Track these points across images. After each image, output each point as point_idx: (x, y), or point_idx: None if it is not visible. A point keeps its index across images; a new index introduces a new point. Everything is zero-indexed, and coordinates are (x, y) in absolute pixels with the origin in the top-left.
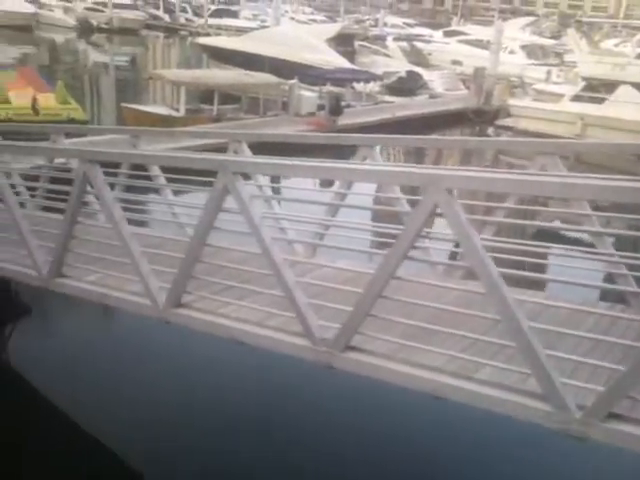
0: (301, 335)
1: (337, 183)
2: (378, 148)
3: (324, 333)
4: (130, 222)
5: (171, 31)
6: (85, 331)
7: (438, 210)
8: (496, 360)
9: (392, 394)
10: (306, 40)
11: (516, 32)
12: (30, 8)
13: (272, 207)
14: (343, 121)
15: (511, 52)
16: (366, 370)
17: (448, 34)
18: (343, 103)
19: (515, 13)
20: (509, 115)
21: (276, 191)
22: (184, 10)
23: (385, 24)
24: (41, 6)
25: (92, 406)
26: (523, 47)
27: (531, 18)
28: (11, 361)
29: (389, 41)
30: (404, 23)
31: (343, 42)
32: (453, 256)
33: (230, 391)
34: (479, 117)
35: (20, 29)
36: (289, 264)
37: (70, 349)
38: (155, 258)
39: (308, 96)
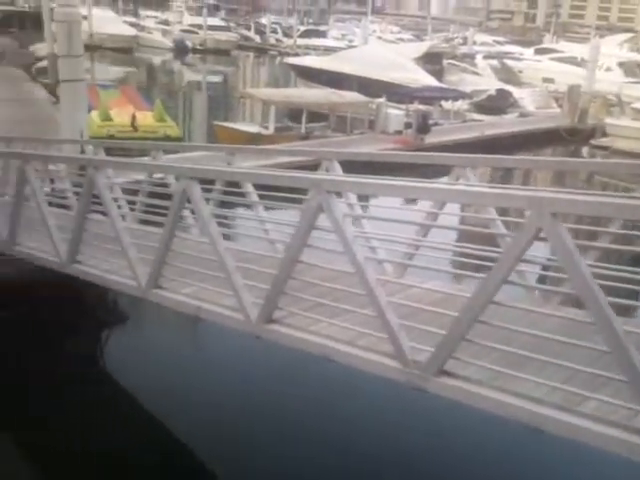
0: (392, 356)
1: (425, 202)
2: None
3: (416, 355)
4: (223, 237)
5: (261, 51)
6: (178, 341)
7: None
8: (601, 393)
9: (484, 421)
10: (394, 59)
11: (613, 49)
12: (131, 31)
13: (362, 225)
14: (430, 139)
15: (607, 69)
16: (461, 396)
17: (540, 51)
18: (430, 121)
19: (612, 29)
20: (605, 134)
21: (363, 209)
22: (274, 31)
23: (474, 42)
24: (141, 29)
25: (180, 411)
26: (620, 64)
27: (629, 34)
28: (106, 366)
29: (478, 59)
30: (494, 41)
31: (431, 60)
32: (542, 279)
33: (316, 407)
34: (573, 136)
35: (121, 51)
36: (380, 284)
37: (163, 357)
38: (247, 273)
39: (395, 114)
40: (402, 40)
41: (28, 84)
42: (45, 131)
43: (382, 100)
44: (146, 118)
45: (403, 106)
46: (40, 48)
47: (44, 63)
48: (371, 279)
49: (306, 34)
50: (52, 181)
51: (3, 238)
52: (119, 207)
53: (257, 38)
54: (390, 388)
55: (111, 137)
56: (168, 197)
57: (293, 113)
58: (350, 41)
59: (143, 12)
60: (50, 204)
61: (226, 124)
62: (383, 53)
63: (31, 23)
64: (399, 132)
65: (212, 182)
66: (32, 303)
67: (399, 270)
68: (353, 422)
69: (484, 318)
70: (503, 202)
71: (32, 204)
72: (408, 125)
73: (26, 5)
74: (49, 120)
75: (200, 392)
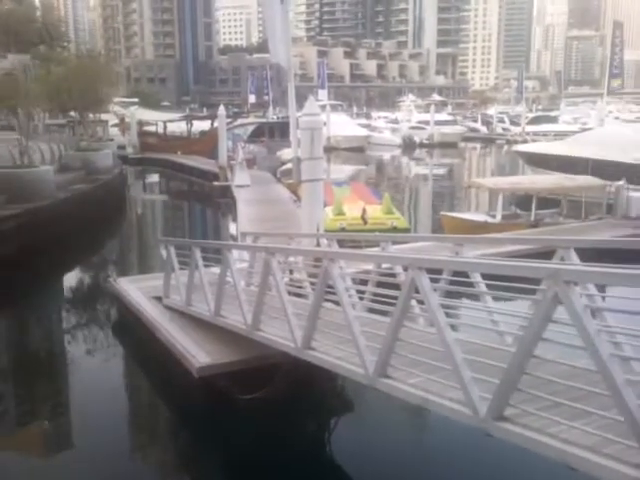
0: None
1: None
2: None
3: None
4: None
5: (487, 141)
6: (402, 431)
7: None
8: None
9: None
10: (636, 139)
11: None
12: (363, 132)
13: (603, 318)
14: None
15: None
16: None
17: None
18: None
19: None
20: None
21: (603, 300)
22: (501, 120)
23: None
24: (372, 129)
25: None
26: None
27: None
28: (332, 451)
29: None
30: None
31: None
32: None
33: None
34: None
35: (354, 150)
36: (628, 384)
37: (386, 445)
38: (475, 365)
39: (638, 197)
40: None
41: (274, 185)
42: (287, 227)
43: (622, 183)
44: (375, 211)
45: None
46: (285, 153)
47: (288, 166)
48: (618, 378)
49: (535, 120)
50: (291, 272)
51: (247, 323)
52: (349, 296)
53: (484, 129)
54: None
55: (342, 230)
56: (395, 286)
57: (521, 201)
58: (583, 124)
59: (375, 114)
60: (288, 293)
61: (452, 214)
62: (623, 133)
63: (279, 132)
64: None
65: (439, 272)
66: (270, 386)
67: None
68: None
69: None
70: None
71: (273, 293)
72: None
73: (274, 117)
74: (291, 216)
75: None
